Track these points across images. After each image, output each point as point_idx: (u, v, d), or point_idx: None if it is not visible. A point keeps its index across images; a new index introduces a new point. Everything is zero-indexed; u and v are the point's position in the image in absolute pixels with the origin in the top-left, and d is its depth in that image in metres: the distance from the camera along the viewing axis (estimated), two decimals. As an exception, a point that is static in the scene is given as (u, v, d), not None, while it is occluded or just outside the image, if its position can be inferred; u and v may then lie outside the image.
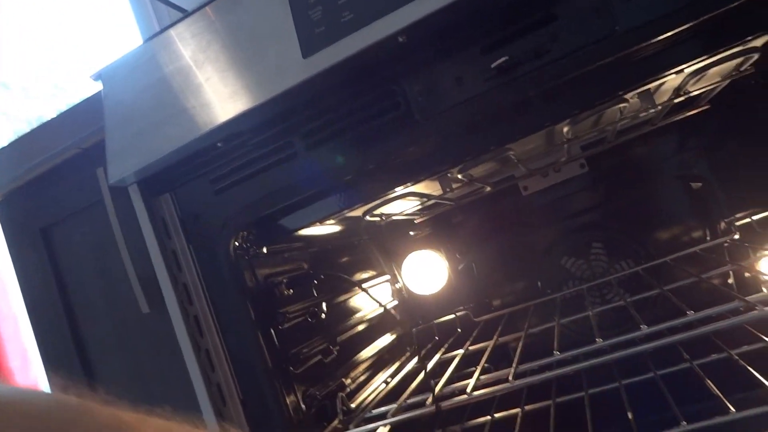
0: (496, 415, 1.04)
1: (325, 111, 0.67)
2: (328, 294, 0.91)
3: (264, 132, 0.70)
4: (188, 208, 0.76)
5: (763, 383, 0.71)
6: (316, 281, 0.86)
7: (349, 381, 0.92)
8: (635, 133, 1.02)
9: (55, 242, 0.89)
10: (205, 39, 0.67)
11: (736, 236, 1.05)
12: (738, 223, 1.06)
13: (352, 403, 0.87)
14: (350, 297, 1.02)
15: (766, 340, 0.85)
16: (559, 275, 1.19)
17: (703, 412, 0.71)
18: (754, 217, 1.05)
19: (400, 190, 0.72)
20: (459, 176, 0.80)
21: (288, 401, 0.75)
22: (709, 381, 0.79)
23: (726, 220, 1.09)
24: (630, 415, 0.81)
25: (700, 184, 1.11)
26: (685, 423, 0.69)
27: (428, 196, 0.86)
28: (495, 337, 0.97)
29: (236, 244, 0.75)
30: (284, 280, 0.83)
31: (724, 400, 0.72)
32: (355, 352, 0.98)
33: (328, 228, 1.02)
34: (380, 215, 0.89)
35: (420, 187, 0.80)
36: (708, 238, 1.11)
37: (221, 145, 0.71)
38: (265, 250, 0.80)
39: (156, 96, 0.69)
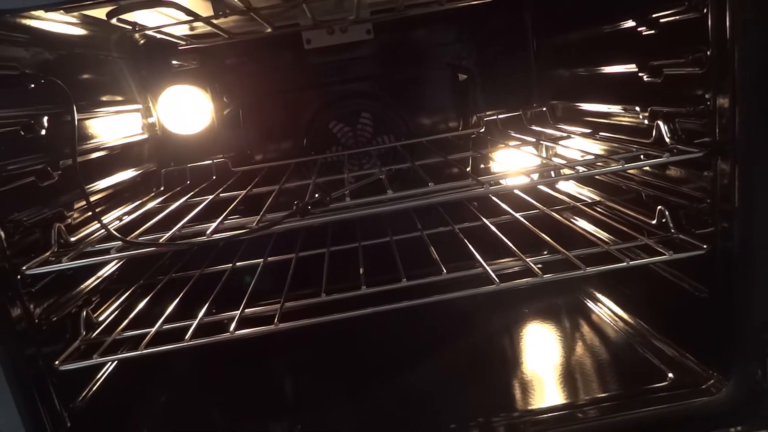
0: (238, 264, 1.05)
1: None
2: (53, 108, 0.75)
3: None
4: None
5: (474, 254, 0.83)
6: (34, 85, 0.68)
7: (73, 213, 0.80)
8: (423, 10, 1.02)
9: None
10: None
11: (482, 130, 1.18)
12: (486, 119, 1.18)
13: (74, 236, 0.76)
14: (86, 118, 0.86)
15: (483, 220, 0.99)
16: (325, 138, 1.19)
17: (427, 274, 0.80)
18: (500, 116, 1.19)
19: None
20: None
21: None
22: (432, 248, 0.90)
23: (478, 114, 1.20)
24: (361, 270, 0.88)
25: (465, 76, 1.19)
26: (405, 280, 0.78)
27: (194, 15, 0.74)
28: (249, 187, 0.94)
29: None
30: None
31: (440, 264, 0.82)
32: (85, 183, 0.84)
33: (65, 27, 0.82)
34: (133, 24, 0.74)
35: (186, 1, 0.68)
36: (460, 128, 1.22)
37: None
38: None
39: None
